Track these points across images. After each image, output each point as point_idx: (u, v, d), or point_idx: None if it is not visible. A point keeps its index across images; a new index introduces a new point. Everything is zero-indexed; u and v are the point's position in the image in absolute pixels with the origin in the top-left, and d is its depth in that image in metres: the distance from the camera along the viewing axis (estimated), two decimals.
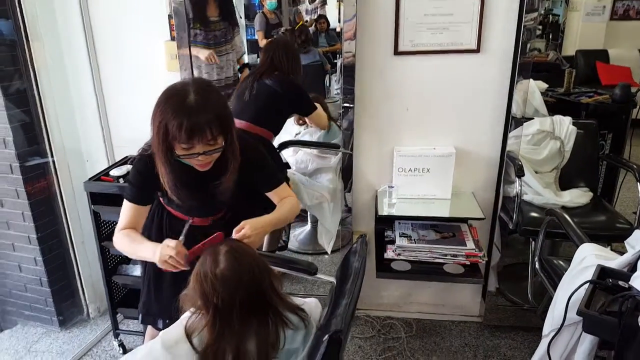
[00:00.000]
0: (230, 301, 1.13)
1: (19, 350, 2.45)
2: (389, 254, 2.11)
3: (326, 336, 1.06)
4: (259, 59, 2.78)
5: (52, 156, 2.33)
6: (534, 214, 2.23)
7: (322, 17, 2.99)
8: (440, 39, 2.03)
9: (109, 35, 2.30)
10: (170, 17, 2.16)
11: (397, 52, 2.07)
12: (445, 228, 2.19)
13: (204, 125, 1.27)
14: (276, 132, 2.33)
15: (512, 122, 2.09)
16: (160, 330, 1.71)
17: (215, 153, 1.35)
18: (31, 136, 2.27)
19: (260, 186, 1.61)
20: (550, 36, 3.15)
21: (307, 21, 2.96)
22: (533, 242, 2.11)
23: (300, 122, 2.68)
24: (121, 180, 2.12)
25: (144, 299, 1.78)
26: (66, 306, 2.57)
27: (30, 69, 2.19)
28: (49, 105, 2.26)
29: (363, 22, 2.03)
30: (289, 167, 2.52)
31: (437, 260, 2.09)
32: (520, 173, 2.09)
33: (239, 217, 1.63)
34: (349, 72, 2.09)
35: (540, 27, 2.95)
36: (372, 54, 2.09)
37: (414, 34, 2.03)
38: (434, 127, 2.18)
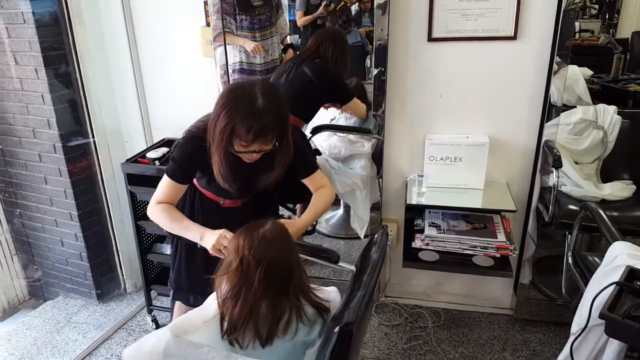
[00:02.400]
0: (257, 262, 1.18)
1: (60, 321, 2.63)
2: (417, 243, 2.12)
3: (337, 328, 1.09)
4: (300, 39, 2.81)
5: (93, 137, 2.46)
6: (571, 207, 2.17)
7: None
8: (475, 26, 1.99)
9: (147, 20, 2.38)
10: (205, 2, 2.21)
11: (430, 39, 2.05)
12: (477, 219, 2.17)
13: (269, 129, 1.36)
14: (307, 120, 2.36)
15: (551, 110, 2.03)
16: (191, 306, 1.80)
17: (268, 150, 1.43)
18: (74, 117, 2.40)
19: (296, 173, 1.65)
20: (607, 16, 2.99)
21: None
22: (569, 236, 2.06)
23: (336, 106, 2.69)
24: (157, 163, 2.21)
25: (175, 275, 1.86)
26: (104, 281, 2.73)
27: (74, 53, 2.30)
28: (91, 88, 2.38)
29: (396, 7, 2.02)
30: (319, 154, 2.54)
31: (466, 252, 2.08)
32: (557, 164, 2.03)
33: (266, 199, 1.71)
34: (382, 57, 2.08)
35: (597, 6, 2.80)
36: (405, 40, 2.08)
37: (448, 20, 2.00)
38: (467, 115, 2.15)
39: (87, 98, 2.37)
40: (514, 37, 1.97)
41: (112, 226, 2.65)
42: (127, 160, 2.29)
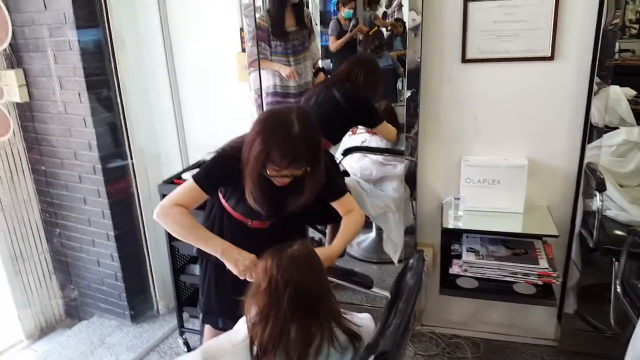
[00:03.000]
0: (285, 283, 1.17)
1: (94, 341, 2.67)
2: (455, 269, 2.06)
3: (372, 357, 1.08)
4: (331, 64, 2.86)
5: (131, 159, 2.54)
6: (617, 232, 2.07)
7: (399, 21, 3.01)
8: (511, 47, 1.98)
9: (185, 47, 2.47)
10: (241, 29, 2.29)
11: (464, 60, 2.05)
12: (517, 244, 2.10)
13: (303, 156, 1.40)
14: (335, 142, 2.39)
15: (592, 131, 1.98)
16: (220, 330, 1.80)
17: (299, 175, 1.46)
18: (113, 140, 2.50)
19: (325, 196, 1.66)
20: None
21: (385, 23, 2.98)
22: (616, 263, 1.97)
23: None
24: None
25: (204, 298, 1.86)
26: (138, 302, 2.77)
27: (115, 78, 2.41)
28: (130, 112, 2.47)
29: (429, 29, 2.03)
30: (348, 175, 2.55)
31: (506, 279, 2.01)
32: (601, 187, 1.96)
33: (294, 220, 1.73)
34: (414, 79, 2.09)
35: (637, 25, 2.76)
36: (439, 61, 2.08)
37: (483, 41, 2.01)
38: (504, 137, 2.12)
39: (126, 121, 2.46)
40: (551, 58, 1.95)
41: (147, 247, 2.71)
42: (164, 181, 2.34)
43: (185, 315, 2.59)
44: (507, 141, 2.12)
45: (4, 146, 2.51)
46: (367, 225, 2.87)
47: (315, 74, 2.67)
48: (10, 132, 2.04)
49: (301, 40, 2.52)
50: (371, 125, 2.45)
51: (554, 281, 1.96)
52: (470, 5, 1.97)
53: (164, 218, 1.56)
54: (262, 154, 1.39)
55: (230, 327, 1.45)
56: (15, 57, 2.43)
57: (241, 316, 1.30)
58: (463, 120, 2.14)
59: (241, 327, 1.28)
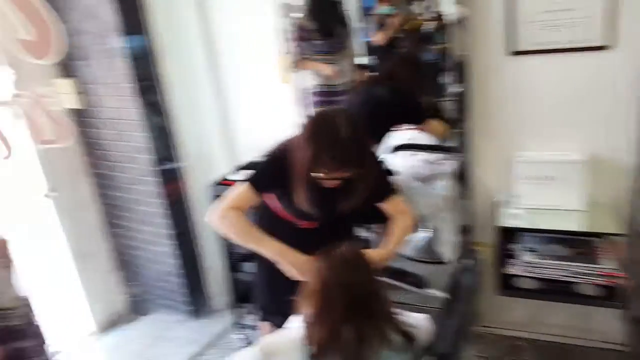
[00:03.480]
0: (338, 285, 1.21)
1: (156, 335, 2.81)
2: (512, 269, 2.00)
3: (430, 358, 1.10)
4: (373, 61, 2.81)
5: (182, 161, 2.62)
6: None
7: (441, 14, 2.92)
8: (563, 37, 1.88)
9: (229, 51, 2.51)
10: (283, 32, 2.29)
11: (514, 52, 1.96)
12: (579, 243, 2.00)
13: (352, 158, 1.43)
14: (378, 140, 2.34)
15: None
16: (276, 326, 1.83)
17: (348, 177, 1.48)
18: (165, 144, 2.59)
19: (375, 198, 1.66)
20: None
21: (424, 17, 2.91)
22: None
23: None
24: None
25: (260, 296, 1.91)
26: (197, 297, 2.88)
27: (162, 83, 2.48)
28: (180, 116, 2.56)
29: (475, 22, 1.97)
30: (392, 175, 2.51)
31: (568, 280, 1.93)
32: None
33: (343, 220, 1.74)
34: (461, 73, 2.05)
35: None
36: (486, 55, 2.02)
37: (532, 32, 1.92)
38: (559, 132, 2.02)
39: (175, 125, 2.54)
40: (608, 47, 1.84)
41: (202, 245, 2.79)
42: (214, 182, 2.41)
43: (242, 311, 2.65)
44: (562, 136, 2.02)
45: (67, 152, 2.66)
46: (419, 224, 2.81)
47: (357, 71, 2.65)
48: (71, 139, 2.15)
49: (342, 38, 2.51)
50: (416, 122, 2.40)
51: (619, 282, 1.86)
52: None
53: (219, 222, 1.59)
54: (311, 158, 1.42)
55: (285, 325, 1.50)
56: (70, 66, 2.55)
57: (295, 314, 1.34)
58: (514, 115, 2.06)
59: (296, 325, 1.32)
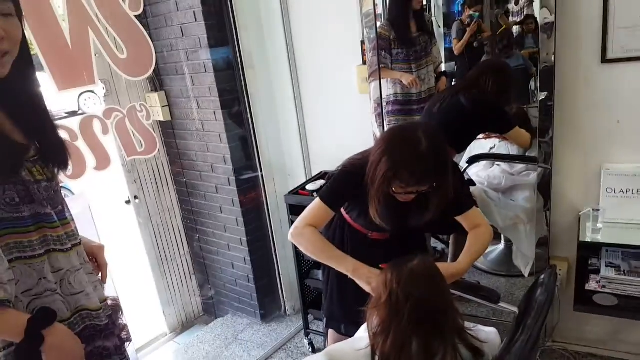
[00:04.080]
0: (406, 297, 1.20)
1: (228, 337, 2.93)
2: (592, 285, 1.95)
3: None
4: (456, 67, 2.81)
5: (261, 171, 2.74)
6: None
7: (530, 18, 2.86)
8: None
9: (308, 62, 2.59)
10: (362, 42, 2.34)
11: (605, 60, 1.91)
12: None
13: (431, 174, 1.42)
14: (460, 150, 2.34)
15: None
16: (342, 335, 1.89)
17: (425, 191, 1.46)
18: (245, 153, 2.71)
19: (451, 211, 1.64)
20: None
21: (512, 22, 2.88)
22: None
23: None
24: (315, 195, 2.37)
25: (327, 304, 1.95)
26: (267, 302, 2.98)
27: (245, 95, 2.60)
28: (259, 126, 2.67)
29: (564, 28, 1.93)
30: (473, 184, 2.49)
31: None
32: None
33: (415, 231, 1.74)
34: (548, 81, 2.01)
35: None
36: (575, 62, 1.97)
37: (626, 38, 1.85)
38: None
39: (256, 136, 2.66)
40: None
41: (275, 252, 2.90)
42: (289, 192, 2.51)
43: (310, 317, 2.73)
44: None
45: (150, 161, 2.85)
46: (496, 236, 2.76)
47: (438, 79, 2.64)
48: (157, 149, 2.31)
49: (423, 46, 2.50)
50: (502, 131, 2.36)
51: None
52: None
53: (298, 239, 1.63)
54: (389, 173, 1.40)
55: (352, 333, 1.53)
56: (158, 81, 2.74)
57: (363, 323, 1.36)
58: (603, 125, 2.00)
59: (363, 335, 1.34)
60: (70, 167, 1.54)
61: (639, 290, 1.88)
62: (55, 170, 1.21)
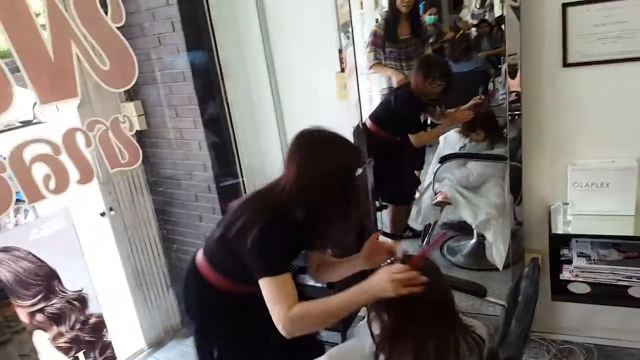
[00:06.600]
0: (419, 295, 1.26)
1: None
2: (565, 275, 2.12)
3: None
4: None
5: (242, 177, 2.81)
6: None
7: (484, 22, 3.10)
8: (613, 48, 2.01)
9: (288, 70, 2.68)
10: (340, 50, 2.47)
11: (566, 64, 2.10)
12: (629, 247, 2.13)
13: (359, 149, 1.61)
14: (397, 134, 2.67)
15: None
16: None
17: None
18: (225, 160, 2.77)
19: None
20: None
21: (470, 25, 3.09)
22: None
23: (465, 134, 2.83)
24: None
25: None
26: None
27: (224, 102, 2.67)
28: (239, 133, 2.74)
29: (527, 35, 2.10)
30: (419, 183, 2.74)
31: (620, 283, 2.05)
32: None
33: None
34: (514, 82, 2.17)
35: None
36: (539, 65, 2.15)
37: (583, 45, 2.05)
38: (612, 139, 2.15)
39: (236, 143, 2.73)
40: None
41: None
42: None
43: None
44: (615, 143, 2.15)
45: (125, 172, 2.86)
46: (469, 232, 2.96)
47: None
48: (140, 160, 2.34)
49: (414, 47, 2.72)
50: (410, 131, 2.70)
51: None
52: (570, 10, 2.02)
53: (296, 327, 1.38)
54: (343, 169, 1.43)
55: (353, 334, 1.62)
56: (134, 90, 2.76)
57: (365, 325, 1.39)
58: (567, 124, 2.19)
59: (366, 337, 1.37)
60: (53, 182, 1.56)
61: (609, 277, 2.06)
62: None
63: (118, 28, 2.18)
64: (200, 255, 1.76)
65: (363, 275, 1.48)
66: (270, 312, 1.38)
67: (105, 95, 2.61)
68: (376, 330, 1.33)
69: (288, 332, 1.36)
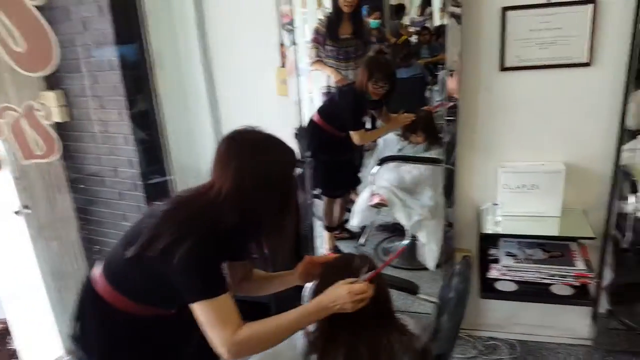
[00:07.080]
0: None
1: None
2: (493, 273, 2.18)
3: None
4: None
5: (171, 175, 2.68)
6: None
7: (425, 29, 3.17)
8: (548, 54, 2.09)
9: (226, 64, 2.60)
10: (281, 44, 2.42)
11: (503, 68, 2.17)
12: (554, 247, 2.23)
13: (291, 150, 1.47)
14: (341, 129, 2.70)
15: (626, 135, 2.11)
16: None
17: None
18: (153, 156, 2.64)
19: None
20: None
21: (412, 32, 3.15)
22: None
23: (405, 137, 2.88)
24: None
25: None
26: None
27: (153, 95, 2.54)
28: (169, 128, 2.62)
29: (467, 38, 2.15)
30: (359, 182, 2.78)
31: (544, 281, 2.13)
32: (634, 189, 2.10)
33: None
34: (444, 87, 2.25)
35: None
36: (477, 69, 2.20)
37: (520, 49, 2.12)
38: (541, 143, 2.24)
39: (166, 138, 2.60)
40: (588, 63, 2.06)
41: None
42: None
43: None
44: (544, 147, 2.24)
45: (42, 167, 2.64)
46: (400, 233, 3.00)
47: None
48: (58, 153, 2.17)
49: (354, 49, 2.71)
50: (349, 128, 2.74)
51: (590, 282, 2.08)
52: (509, 14, 2.08)
53: (244, 350, 1.29)
54: (282, 172, 1.37)
55: None
56: (55, 78, 2.56)
57: None
58: (500, 127, 2.26)
59: (299, 336, 1.39)
60: None
61: (534, 275, 2.14)
62: None
63: (38, 9, 2.01)
64: (98, 274, 1.51)
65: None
66: (209, 336, 1.26)
67: (21, 81, 2.39)
68: (311, 327, 1.32)
69: (233, 356, 1.26)
